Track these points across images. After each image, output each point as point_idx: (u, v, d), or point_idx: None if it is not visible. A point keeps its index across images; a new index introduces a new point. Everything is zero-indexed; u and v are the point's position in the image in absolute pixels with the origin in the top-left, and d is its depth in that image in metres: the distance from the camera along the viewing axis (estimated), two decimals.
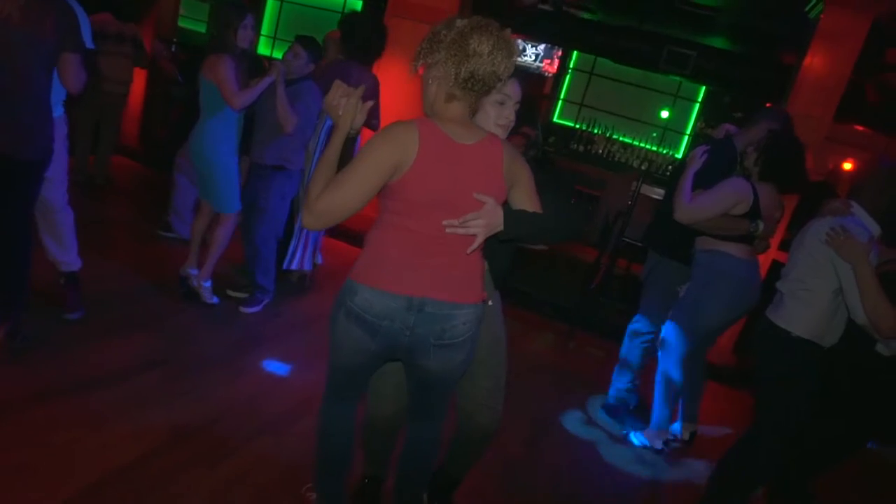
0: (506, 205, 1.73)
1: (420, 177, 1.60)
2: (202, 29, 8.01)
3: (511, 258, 2.06)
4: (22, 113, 2.31)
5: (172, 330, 3.21)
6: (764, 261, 3.50)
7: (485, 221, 1.64)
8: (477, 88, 1.64)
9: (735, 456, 2.54)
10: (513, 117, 1.89)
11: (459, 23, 1.62)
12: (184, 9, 7.08)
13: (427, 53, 1.66)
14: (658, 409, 3.21)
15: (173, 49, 6.07)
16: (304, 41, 3.39)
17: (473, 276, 1.74)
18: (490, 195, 1.65)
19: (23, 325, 2.64)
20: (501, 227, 1.67)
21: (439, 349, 1.72)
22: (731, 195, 2.82)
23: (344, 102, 1.67)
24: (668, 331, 3.15)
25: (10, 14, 2.14)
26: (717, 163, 3.03)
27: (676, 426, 3.40)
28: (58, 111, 2.78)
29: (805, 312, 2.37)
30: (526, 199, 1.76)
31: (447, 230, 1.63)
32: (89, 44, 2.70)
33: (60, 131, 2.80)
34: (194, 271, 3.56)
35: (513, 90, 1.86)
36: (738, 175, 3.00)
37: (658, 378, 3.19)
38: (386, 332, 1.68)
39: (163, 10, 6.56)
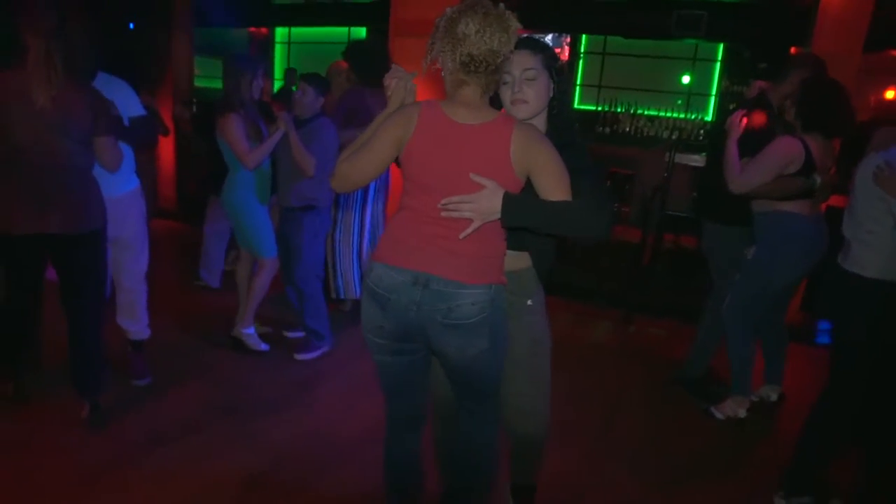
0: (516, 191, 1.65)
1: (416, 153, 1.64)
2: (218, 85, 8.22)
3: (554, 253, 1.95)
4: (72, 190, 2.48)
5: (229, 378, 3.27)
6: None
7: (476, 206, 1.59)
8: (482, 69, 1.61)
9: (818, 410, 2.45)
10: (526, 90, 1.78)
11: (449, 10, 1.62)
12: (198, 69, 7.24)
13: (431, 48, 1.68)
14: (737, 377, 3.12)
15: (194, 110, 6.23)
16: (308, 78, 3.40)
17: (485, 258, 1.69)
18: (492, 178, 1.60)
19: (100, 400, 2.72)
20: (499, 214, 1.61)
21: (450, 329, 1.68)
22: (782, 157, 2.73)
23: (394, 84, 1.75)
24: (735, 296, 3.04)
25: (43, 105, 2.31)
26: (756, 125, 2.93)
27: (763, 390, 3.33)
28: (132, 184, 2.91)
29: (872, 253, 2.29)
30: (551, 188, 1.63)
31: (442, 214, 1.62)
32: (139, 110, 2.83)
33: (139, 205, 2.94)
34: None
35: (515, 65, 1.76)
36: (782, 133, 2.89)
37: (730, 346, 3.10)
38: (394, 307, 1.69)
39: (178, 74, 6.73)
